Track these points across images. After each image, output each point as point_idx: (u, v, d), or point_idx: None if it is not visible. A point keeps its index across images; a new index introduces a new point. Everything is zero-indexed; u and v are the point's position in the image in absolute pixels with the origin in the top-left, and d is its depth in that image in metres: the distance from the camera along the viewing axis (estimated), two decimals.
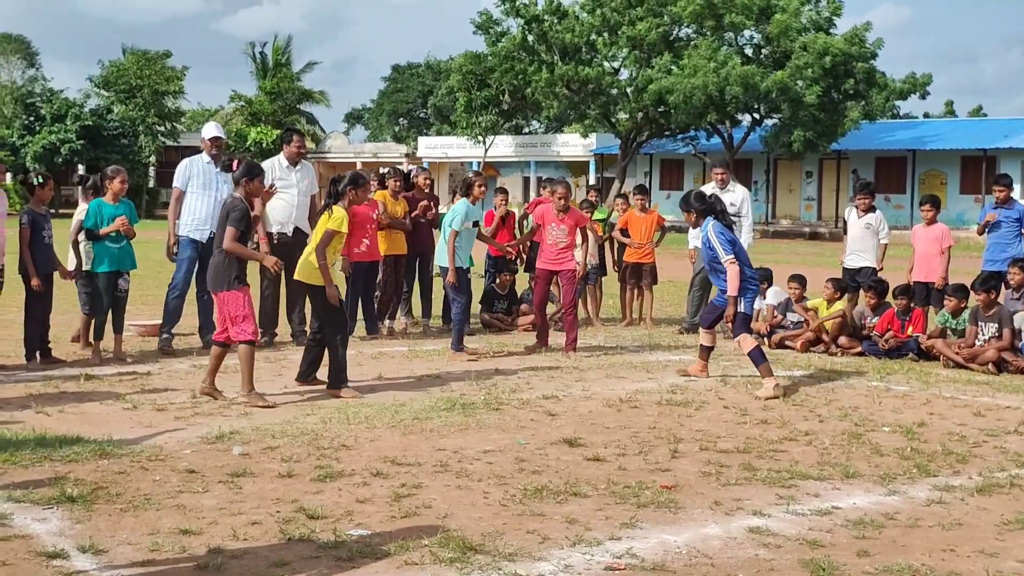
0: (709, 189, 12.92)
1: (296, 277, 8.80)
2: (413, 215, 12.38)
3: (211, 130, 11.17)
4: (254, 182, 8.50)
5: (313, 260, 8.48)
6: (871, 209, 12.60)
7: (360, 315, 11.82)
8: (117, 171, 10.34)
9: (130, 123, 54.72)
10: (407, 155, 59.33)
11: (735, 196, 12.73)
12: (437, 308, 12.77)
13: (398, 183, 12.44)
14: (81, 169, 52.09)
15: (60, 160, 51.13)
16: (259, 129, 56.19)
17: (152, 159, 55.91)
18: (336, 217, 8.55)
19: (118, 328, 10.13)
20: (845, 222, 13.07)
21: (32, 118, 53.14)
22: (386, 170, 13.00)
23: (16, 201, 9.97)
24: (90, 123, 52.48)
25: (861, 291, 12.28)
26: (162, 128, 56.53)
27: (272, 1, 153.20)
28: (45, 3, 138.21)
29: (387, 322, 12.33)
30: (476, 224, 11.60)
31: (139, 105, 54.53)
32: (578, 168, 53.88)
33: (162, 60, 56.71)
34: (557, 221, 11.07)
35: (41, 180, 9.87)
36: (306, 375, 8.84)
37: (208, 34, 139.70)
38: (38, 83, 56.18)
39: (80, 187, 10.52)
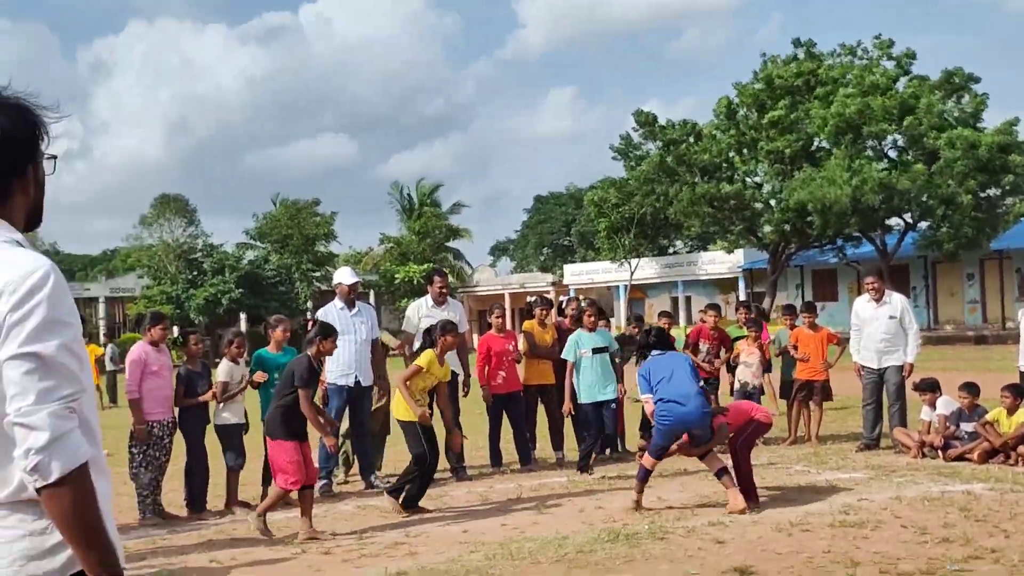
0: (864, 301, 12.60)
1: (398, 417, 9.59)
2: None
3: (347, 276, 11.44)
4: (327, 342, 8.98)
5: (399, 397, 9.46)
6: None
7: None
8: (280, 320, 10.70)
9: (285, 270, 57.00)
10: (553, 283, 59.95)
11: (893, 308, 12.36)
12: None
13: (545, 312, 12.53)
14: (243, 318, 54.32)
15: (221, 310, 53.44)
16: (407, 268, 57.73)
17: (309, 304, 57.88)
18: (423, 356, 9.45)
19: None
20: (1018, 324, 12.56)
21: (195, 272, 55.88)
22: (533, 299, 13.14)
23: (182, 356, 10.35)
24: (247, 273, 54.89)
25: None
26: (317, 273, 58.66)
27: (423, 146, 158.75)
28: (205, 164, 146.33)
29: (559, 454, 12.29)
30: (603, 350, 11.58)
31: (292, 252, 56.83)
32: (727, 285, 53.43)
33: (311, 208, 59.15)
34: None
35: (182, 338, 10.27)
36: (411, 502, 9.43)
37: (363, 181, 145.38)
38: (198, 239, 59.26)
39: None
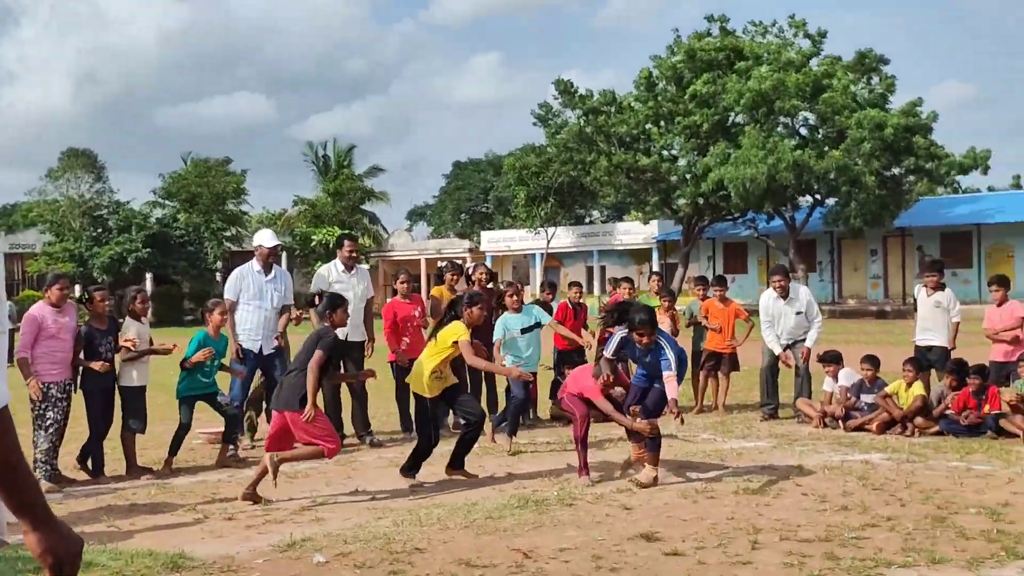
0: (772, 298, 12.79)
1: (413, 388, 9.16)
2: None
3: (267, 238, 11.25)
4: (337, 313, 8.76)
5: (425, 370, 8.84)
6: (940, 287, 12.43)
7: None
8: (217, 303, 10.43)
9: (194, 229, 55.96)
10: (470, 250, 59.85)
11: (800, 303, 12.66)
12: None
13: (455, 277, 12.53)
14: (149, 278, 53.29)
15: (127, 269, 52.33)
16: (324, 230, 57.10)
17: (218, 264, 56.98)
18: (460, 331, 8.86)
19: (227, 438, 10.30)
20: (915, 300, 12.92)
21: (100, 230, 54.56)
22: (443, 264, 13.12)
23: (85, 314, 10.00)
24: (155, 232, 53.82)
25: (934, 372, 12.09)
26: (227, 232, 57.69)
27: (343, 107, 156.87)
28: (115, 118, 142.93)
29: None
30: (529, 329, 11.59)
31: (201, 211, 55.80)
32: (640, 256, 53.91)
33: (222, 166, 58.10)
34: None
35: (87, 295, 9.93)
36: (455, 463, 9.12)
37: (279, 141, 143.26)
38: (105, 195, 57.86)
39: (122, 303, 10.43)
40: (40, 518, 2.28)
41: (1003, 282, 12.37)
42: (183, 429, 10.09)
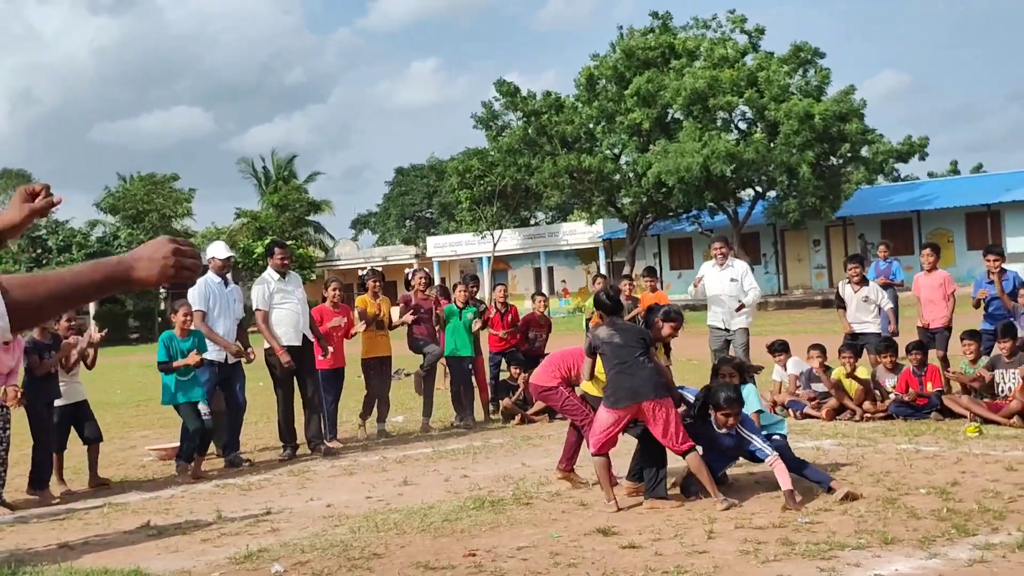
0: (709, 266, 12.98)
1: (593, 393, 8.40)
2: (400, 321, 12.57)
3: (221, 250, 11.17)
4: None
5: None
6: (863, 281, 12.72)
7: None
8: (182, 304, 10.30)
9: (138, 245, 55.31)
10: (417, 256, 59.70)
11: (735, 271, 12.84)
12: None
13: (378, 284, 12.65)
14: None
15: None
16: (265, 242, 56.68)
17: None
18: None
19: (201, 450, 10.19)
20: (839, 297, 13.09)
21: (39, 250, 53.80)
22: (364, 272, 13.15)
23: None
24: (97, 251, 53.15)
25: (866, 353, 12.31)
26: None
27: (282, 117, 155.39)
28: (49, 136, 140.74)
29: (362, 422, 12.55)
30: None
31: (147, 229, 55.14)
32: (588, 255, 54.10)
33: (169, 183, 57.45)
34: None
35: None
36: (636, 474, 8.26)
37: (219, 154, 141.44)
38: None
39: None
40: None
41: (934, 248, 13.13)
42: (197, 432, 10.00)
